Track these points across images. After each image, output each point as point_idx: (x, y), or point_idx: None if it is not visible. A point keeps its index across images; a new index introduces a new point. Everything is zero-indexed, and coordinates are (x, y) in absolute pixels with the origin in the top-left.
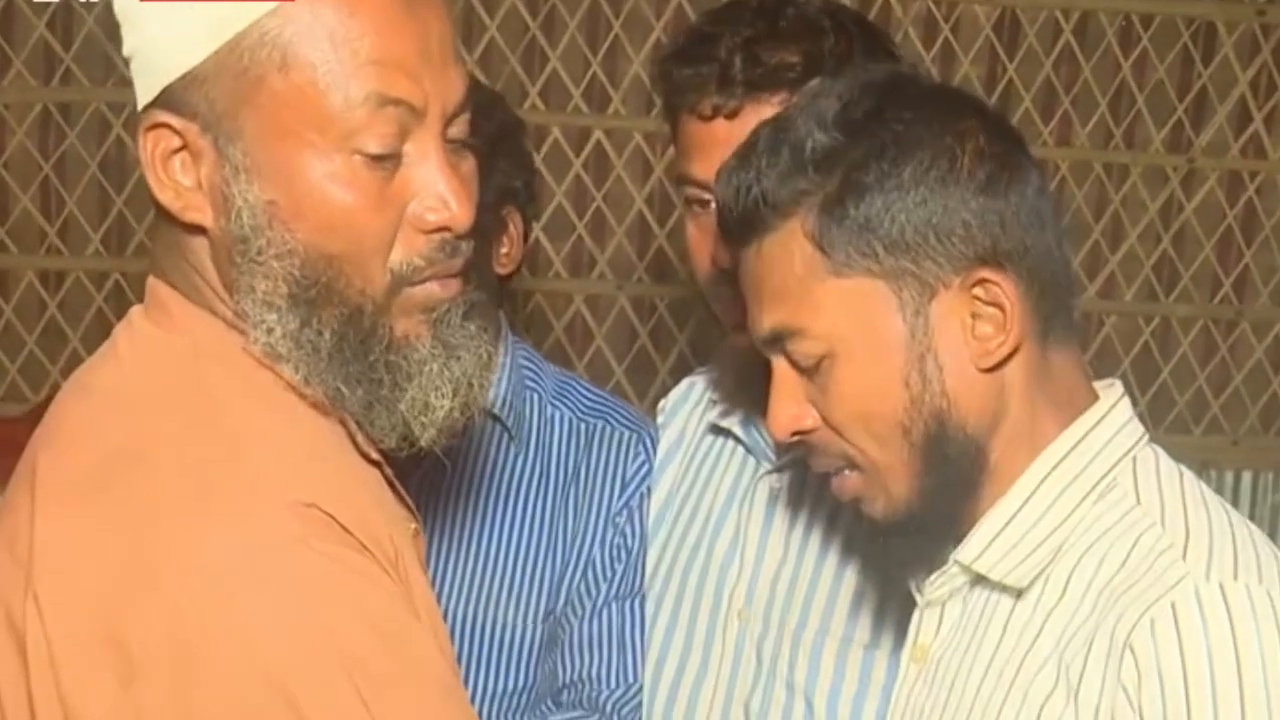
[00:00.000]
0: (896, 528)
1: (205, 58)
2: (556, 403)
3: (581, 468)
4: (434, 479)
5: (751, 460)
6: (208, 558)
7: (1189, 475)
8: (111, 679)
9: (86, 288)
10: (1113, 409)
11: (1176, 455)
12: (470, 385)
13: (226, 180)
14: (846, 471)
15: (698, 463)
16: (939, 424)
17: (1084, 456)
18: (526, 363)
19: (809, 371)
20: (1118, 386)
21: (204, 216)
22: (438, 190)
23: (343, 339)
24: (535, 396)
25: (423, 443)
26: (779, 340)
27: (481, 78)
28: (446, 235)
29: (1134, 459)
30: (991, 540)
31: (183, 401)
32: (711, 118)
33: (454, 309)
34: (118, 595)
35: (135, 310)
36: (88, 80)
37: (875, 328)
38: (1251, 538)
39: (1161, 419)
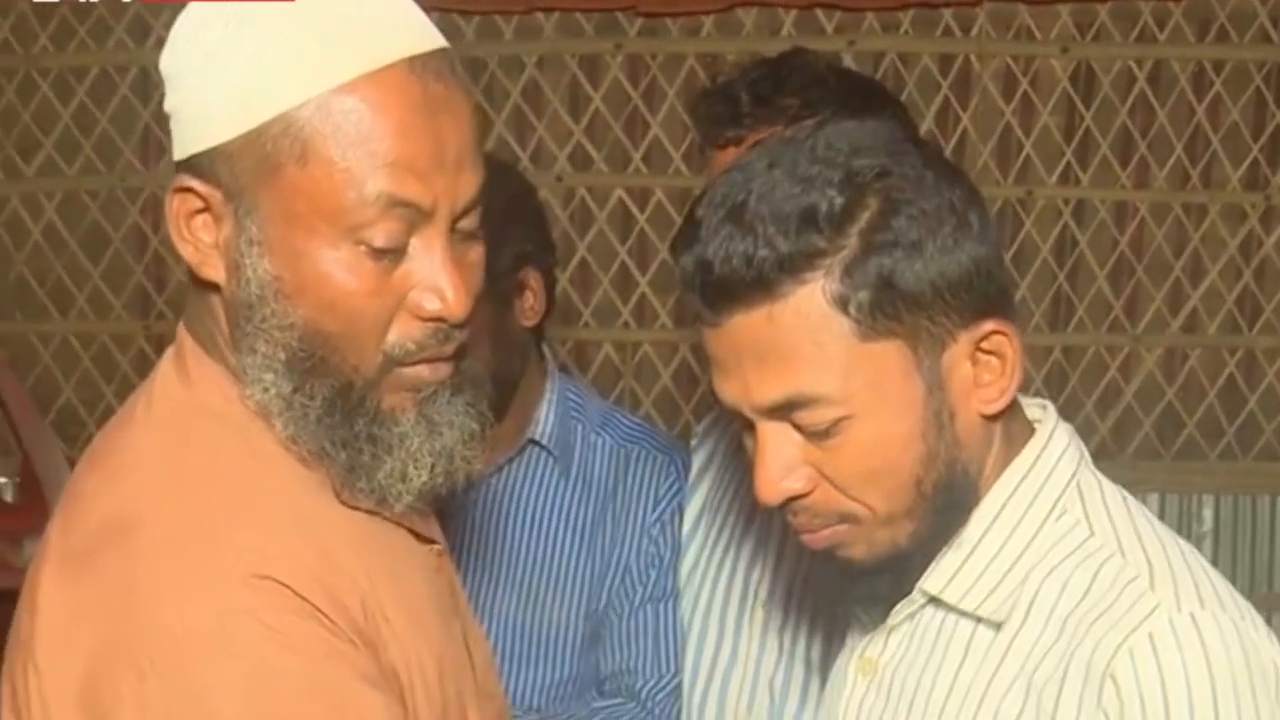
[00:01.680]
0: (873, 569)
1: (233, 137)
2: (600, 430)
3: (619, 487)
4: (487, 500)
5: None
6: (172, 628)
7: (1130, 499)
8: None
9: None
10: (1052, 436)
11: (1266, 483)
12: (452, 458)
13: (240, 249)
14: (838, 526)
15: (728, 477)
16: (949, 471)
17: (1035, 484)
18: (573, 396)
19: (815, 434)
20: (1050, 410)
21: (218, 275)
22: (437, 284)
23: (331, 407)
24: (579, 425)
25: (397, 508)
26: (788, 408)
27: (588, 145)
28: (441, 324)
29: (1078, 485)
30: (956, 571)
31: (173, 469)
32: (725, 146)
33: (443, 389)
34: (99, 662)
35: (165, 355)
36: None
37: (898, 387)
38: (1198, 562)
39: (1249, 447)
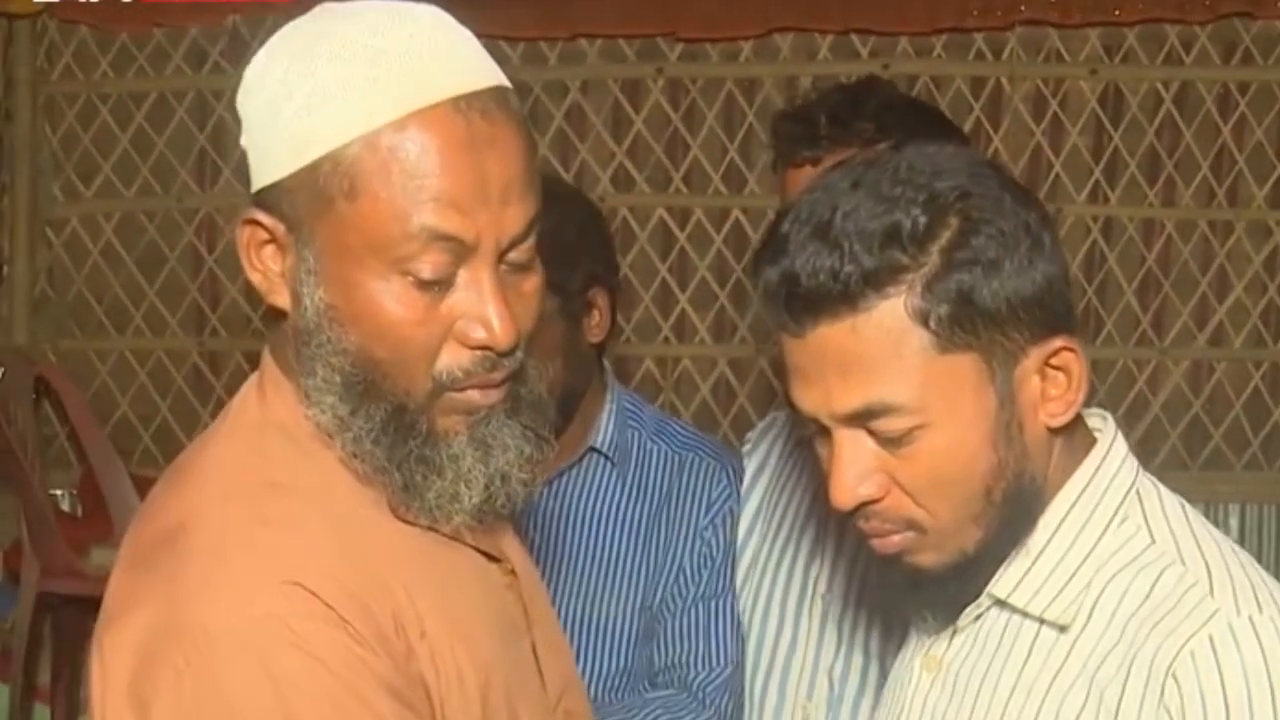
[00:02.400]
0: (940, 576)
1: (290, 173)
2: (655, 438)
3: (674, 491)
4: (551, 503)
5: None
6: (206, 627)
7: (1188, 506)
8: (130, 703)
9: None
10: (1113, 445)
11: None
12: (507, 479)
13: (300, 278)
14: (906, 533)
15: (783, 478)
16: (1017, 480)
17: (1097, 492)
18: (630, 406)
19: (891, 442)
20: (1110, 420)
21: (284, 302)
22: (484, 314)
23: (385, 428)
24: (637, 434)
25: (448, 527)
26: (868, 416)
27: (629, 166)
28: (489, 353)
29: (1138, 492)
30: (1023, 576)
31: (232, 478)
32: (801, 165)
33: (495, 412)
34: (144, 655)
35: (252, 375)
36: None
37: (972, 399)
38: (1254, 569)
39: (1275, 458)
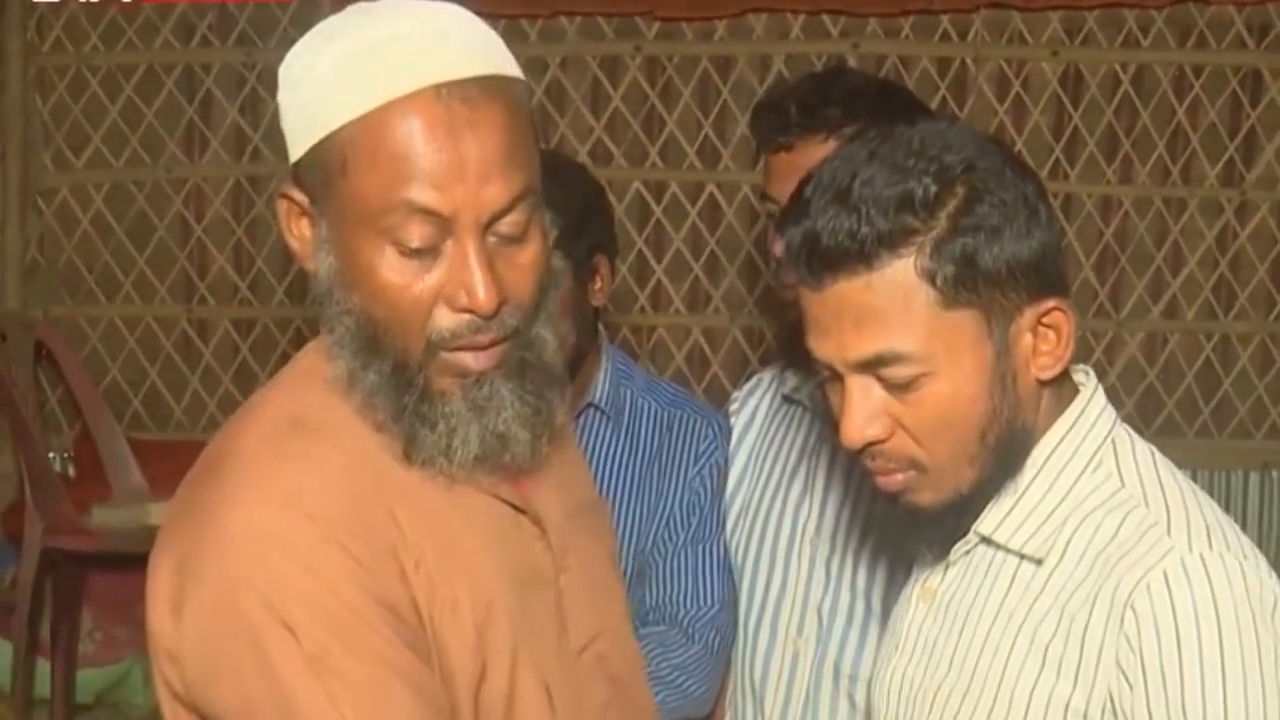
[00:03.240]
0: (938, 513)
1: (305, 151)
2: (645, 395)
3: (664, 445)
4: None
5: (818, 421)
6: (219, 538)
7: (1157, 454)
8: (169, 609)
9: (273, 333)
10: (1092, 398)
11: (1239, 459)
12: (503, 437)
13: (319, 245)
14: (909, 472)
15: (770, 433)
16: (1009, 427)
17: (1076, 439)
18: (622, 365)
19: (897, 388)
20: (1091, 375)
21: (313, 266)
22: (466, 280)
23: (388, 383)
24: (629, 391)
25: (448, 473)
26: (878, 364)
27: (608, 141)
28: (474, 317)
29: (1113, 441)
30: (1006, 515)
31: (269, 417)
32: (776, 151)
33: (490, 376)
34: (177, 567)
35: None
36: (273, 156)
37: (971, 351)
38: (1211, 510)
39: (1225, 425)
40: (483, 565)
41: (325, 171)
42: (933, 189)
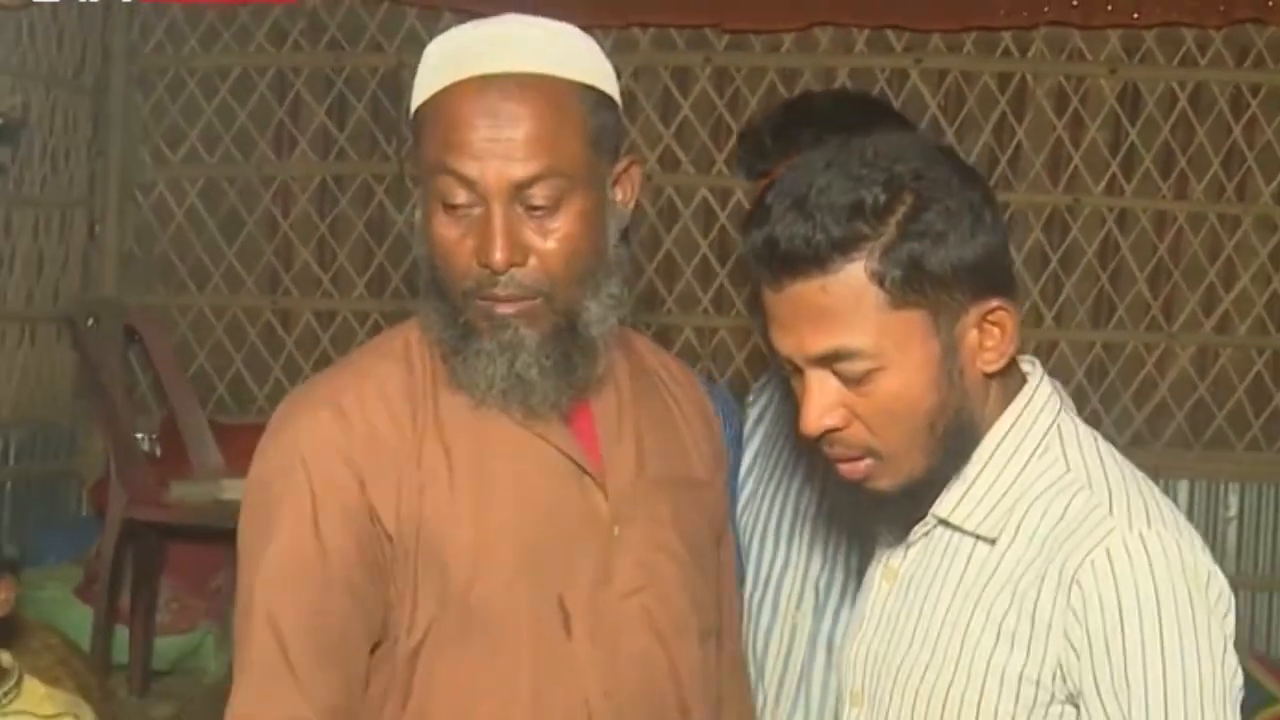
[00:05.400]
0: (895, 496)
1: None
2: None
3: None
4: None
5: None
6: (276, 412)
7: (1100, 439)
8: None
9: (352, 324)
10: (1037, 389)
11: None
12: (524, 381)
13: (419, 203)
14: (867, 460)
15: (779, 425)
16: (957, 417)
17: (1024, 427)
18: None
19: (852, 381)
20: (1037, 365)
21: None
22: (486, 239)
23: (443, 319)
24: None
25: (484, 401)
26: (833, 359)
27: (676, 148)
28: (490, 272)
29: (1058, 427)
30: (960, 498)
31: (347, 366)
32: (757, 178)
33: (526, 335)
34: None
35: None
36: (357, 156)
37: (920, 348)
38: (1150, 492)
39: (1275, 440)
40: (503, 496)
41: (414, 140)
42: (882, 197)
